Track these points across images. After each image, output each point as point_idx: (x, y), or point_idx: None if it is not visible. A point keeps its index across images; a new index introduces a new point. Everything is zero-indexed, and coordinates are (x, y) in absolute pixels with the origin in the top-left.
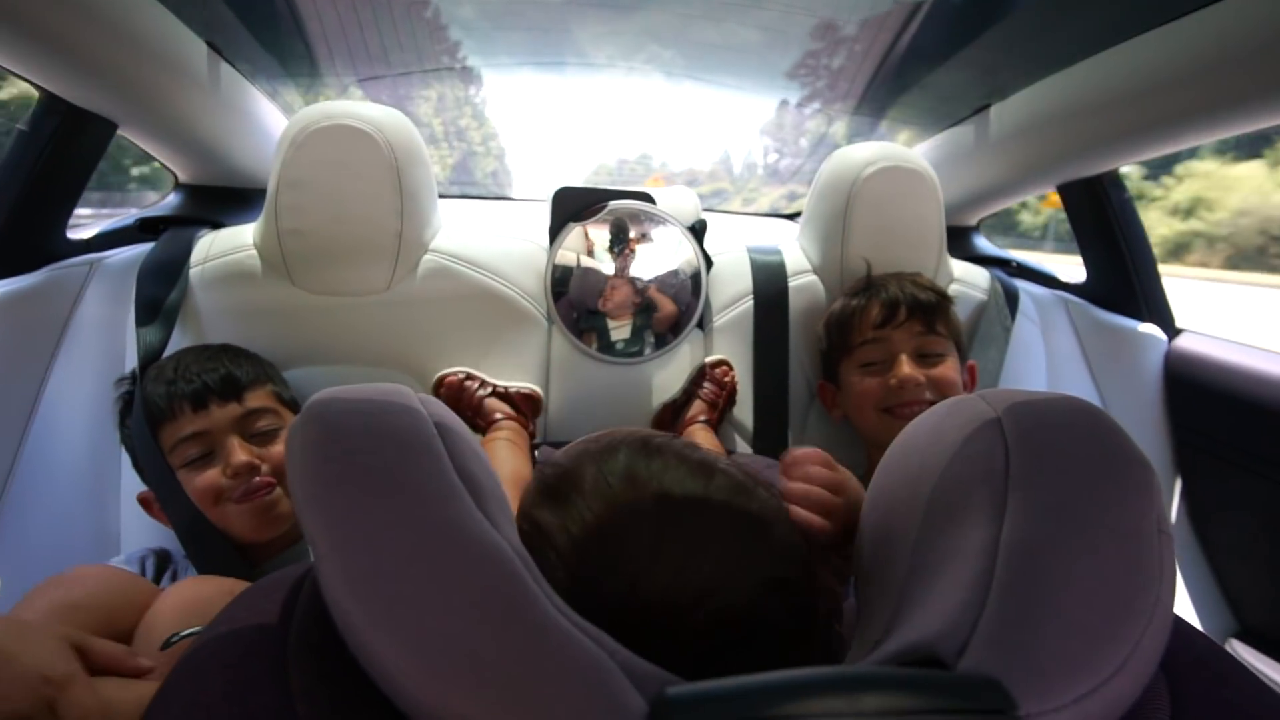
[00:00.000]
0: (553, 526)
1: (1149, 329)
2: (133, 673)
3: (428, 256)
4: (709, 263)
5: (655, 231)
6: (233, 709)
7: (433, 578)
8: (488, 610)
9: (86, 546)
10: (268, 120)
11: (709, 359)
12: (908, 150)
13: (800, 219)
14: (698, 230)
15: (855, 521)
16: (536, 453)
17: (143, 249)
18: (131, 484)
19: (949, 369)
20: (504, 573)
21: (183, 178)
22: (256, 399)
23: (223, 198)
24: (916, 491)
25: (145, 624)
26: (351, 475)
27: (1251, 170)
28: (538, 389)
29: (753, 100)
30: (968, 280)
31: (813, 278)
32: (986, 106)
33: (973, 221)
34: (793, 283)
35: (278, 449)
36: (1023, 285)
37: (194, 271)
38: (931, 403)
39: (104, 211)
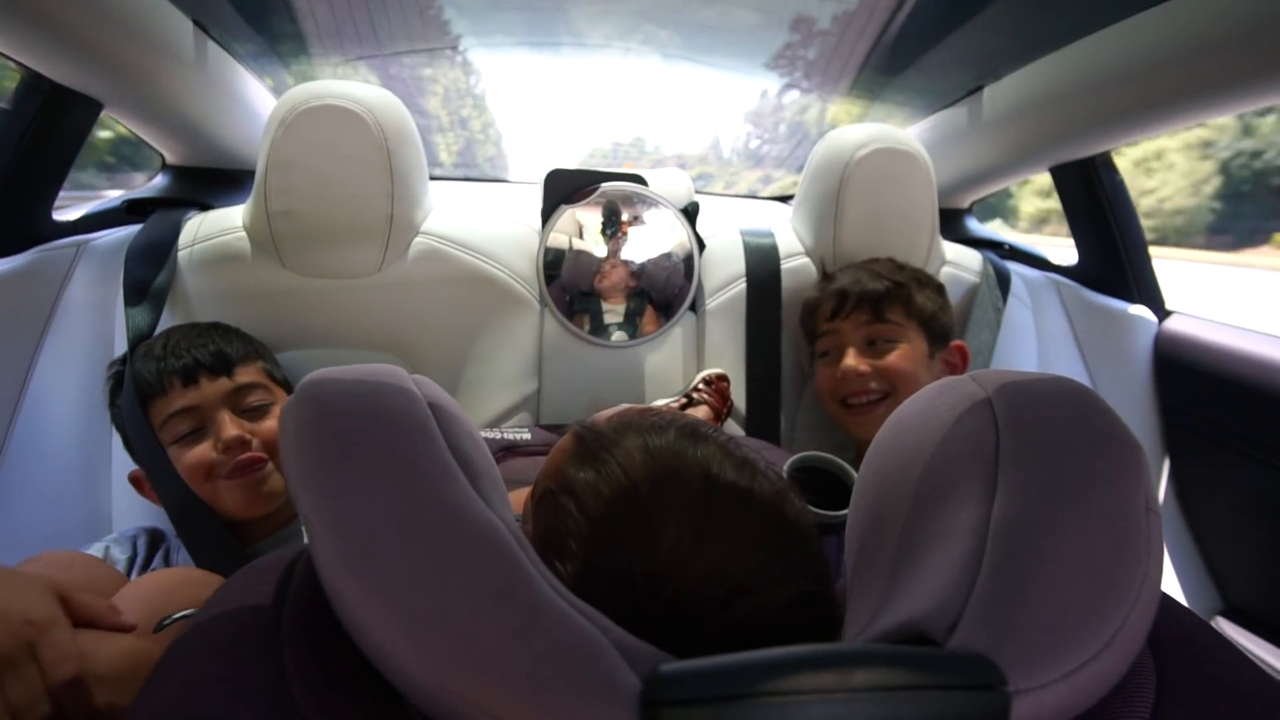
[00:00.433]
0: (583, 484)
1: (1139, 310)
2: (113, 627)
3: (419, 239)
4: (701, 245)
5: (648, 214)
6: (226, 690)
7: (427, 557)
8: (482, 588)
9: (78, 528)
10: (256, 100)
11: (710, 371)
12: (901, 132)
13: (793, 202)
14: (690, 212)
15: None
16: (528, 434)
17: (130, 231)
18: (122, 465)
19: (899, 357)
20: (499, 551)
21: (170, 159)
22: (247, 374)
23: (211, 179)
24: (908, 471)
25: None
26: (346, 455)
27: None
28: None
29: (746, 83)
30: (960, 263)
31: (805, 260)
32: (979, 88)
33: (965, 204)
34: (785, 265)
35: (269, 424)
36: (1014, 267)
37: (182, 254)
38: (879, 392)
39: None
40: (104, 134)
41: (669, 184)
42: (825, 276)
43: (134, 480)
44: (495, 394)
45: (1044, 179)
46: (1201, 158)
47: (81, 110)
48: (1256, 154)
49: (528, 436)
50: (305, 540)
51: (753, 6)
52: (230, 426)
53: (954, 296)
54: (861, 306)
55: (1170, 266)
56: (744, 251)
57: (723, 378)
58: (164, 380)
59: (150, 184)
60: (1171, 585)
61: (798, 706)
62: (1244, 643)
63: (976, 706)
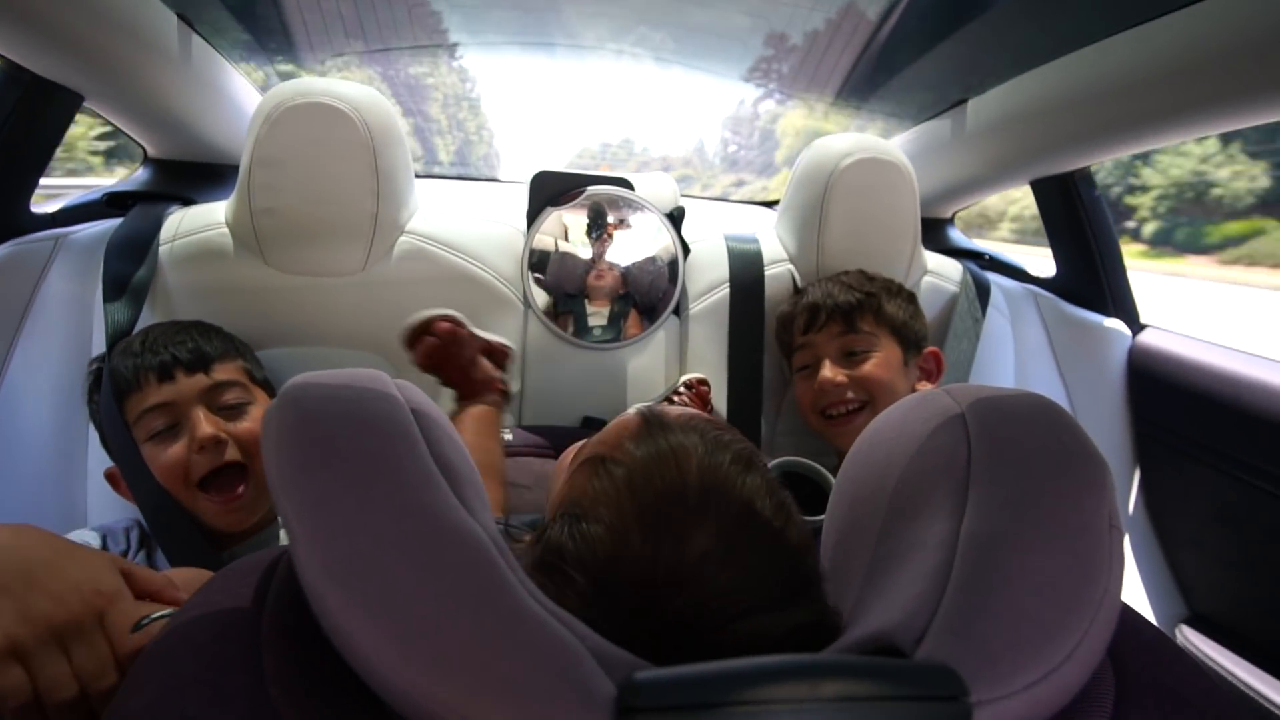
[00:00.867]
0: (637, 462)
1: (1114, 324)
2: (172, 602)
3: (403, 238)
4: (686, 250)
5: (633, 217)
6: (205, 691)
7: (409, 564)
8: (462, 596)
9: (53, 525)
10: (240, 95)
11: (691, 375)
12: (885, 142)
13: (777, 208)
14: (675, 217)
15: None
16: (509, 434)
17: (110, 225)
18: (99, 461)
19: (875, 366)
20: (479, 559)
21: (152, 152)
22: (225, 372)
23: (193, 173)
24: (883, 483)
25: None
26: (329, 462)
27: None
28: (511, 345)
29: (732, 88)
30: (941, 273)
31: (789, 267)
32: (964, 101)
33: (948, 214)
34: (769, 271)
35: (246, 424)
36: (994, 278)
37: (163, 249)
38: (857, 402)
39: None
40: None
41: (655, 189)
42: (797, 291)
43: (110, 477)
44: None
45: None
46: None
47: (62, 103)
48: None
49: (509, 437)
50: (283, 543)
51: (747, 11)
52: (205, 424)
53: (934, 306)
54: (834, 318)
55: (1029, 257)
56: (728, 257)
57: (703, 382)
58: (140, 376)
59: (132, 177)
60: (1139, 593)
61: (768, 715)
62: (1207, 650)
63: (940, 717)
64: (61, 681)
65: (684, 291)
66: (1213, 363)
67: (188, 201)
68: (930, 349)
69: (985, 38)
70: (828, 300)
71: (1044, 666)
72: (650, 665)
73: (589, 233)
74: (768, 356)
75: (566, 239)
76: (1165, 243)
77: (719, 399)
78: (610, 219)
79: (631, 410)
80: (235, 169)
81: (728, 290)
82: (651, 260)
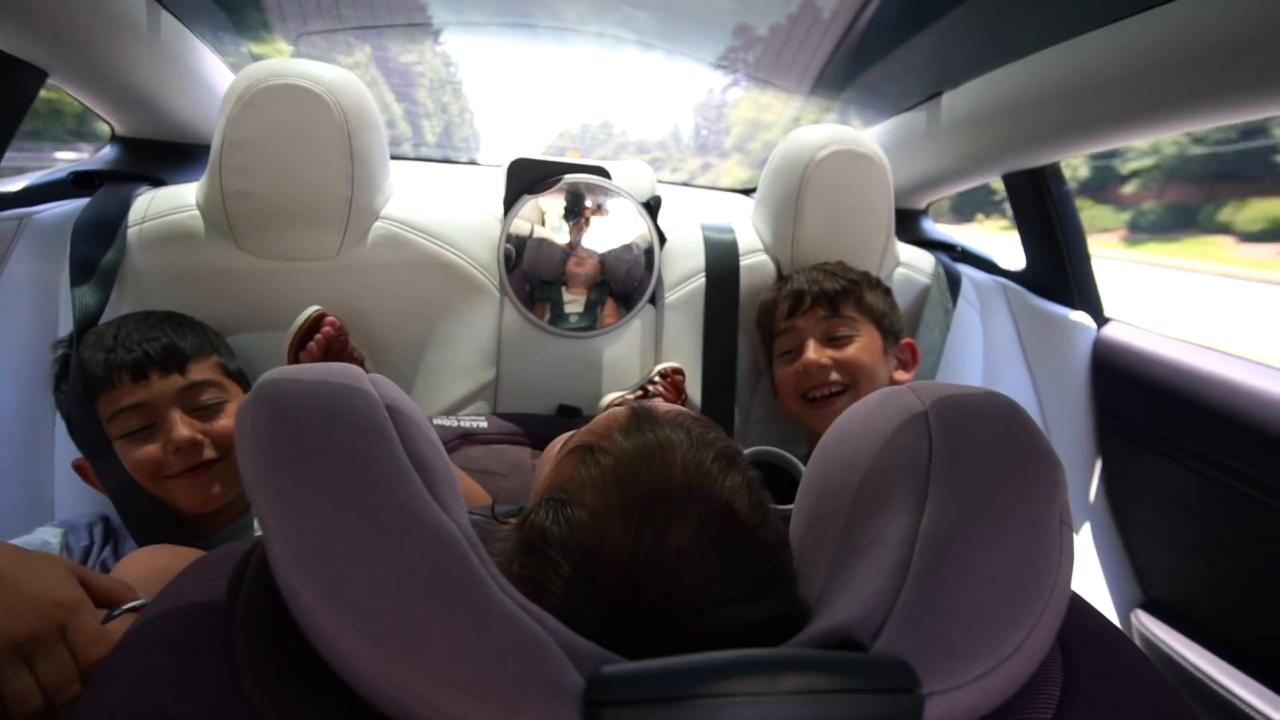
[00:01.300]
0: (624, 452)
1: (1080, 317)
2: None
3: (379, 223)
4: (663, 239)
5: (610, 204)
6: (179, 686)
7: (383, 560)
8: (435, 591)
9: (18, 513)
10: (211, 74)
11: (666, 365)
12: (861, 134)
13: (754, 196)
14: (652, 206)
15: None
16: (484, 422)
17: (76, 205)
18: (66, 449)
19: (858, 350)
20: (452, 555)
21: (119, 130)
22: (200, 371)
23: (163, 153)
24: (848, 478)
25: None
26: (303, 458)
27: None
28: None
29: (712, 74)
30: (913, 265)
31: (764, 257)
32: (939, 94)
33: (921, 205)
34: (744, 261)
35: (222, 423)
36: (965, 270)
37: (132, 231)
38: (840, 383)
39: None
40: None
41: (631, 177)
42: (781, 278)
43: (78, 468)
44: (453, 382)
45: None
46: None
47: (25, 79)
48: None
49: (484, 425)
50: (255, 530)
51: None
52: (182, 427)
53: (907, 297)
54: (819, 303)
55: None
56: (704, 246)
57: (678, 371)
58: (113, 374)
59: (98, 155)
60: (1097, 578)
61: (729, 707)
62: (1161, 634)
63: (893, 707)
64: (26, 694)
65: (660, 280)
66: (1172, 356)
67: (157, 182)
68: (906, 340)
69: (960, 31)
70: (813, 286)
71: (993, 659)
72: (619, 659)
73: (566, 218)
74: (742, 346)
75: (543, 224)
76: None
77: (693, 388)
78: (588, 204)
79: (616, 400)
80: (206, 149)
81: (703, 280)
82: (628, 248)
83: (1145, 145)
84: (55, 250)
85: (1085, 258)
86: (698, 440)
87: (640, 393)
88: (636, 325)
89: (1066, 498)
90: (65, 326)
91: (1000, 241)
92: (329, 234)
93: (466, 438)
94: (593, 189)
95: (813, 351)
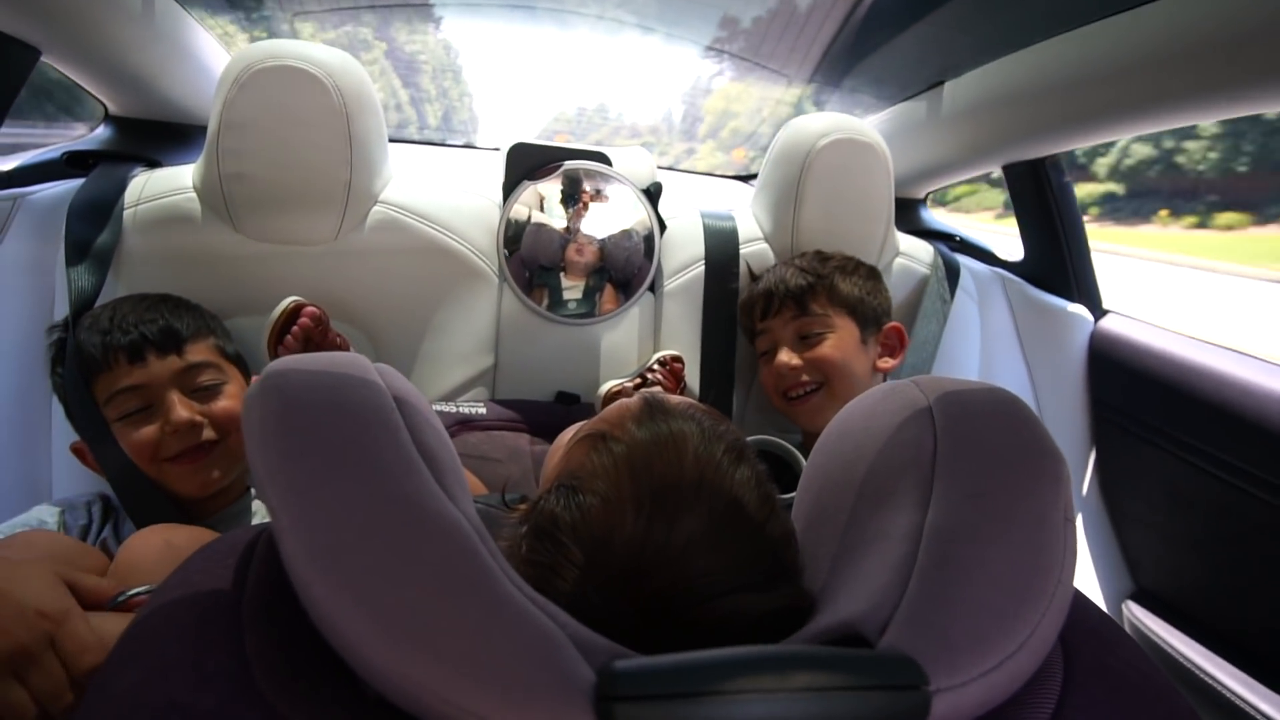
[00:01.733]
0: (636, 442)
1: (1077, 309)
2: (124, 608)
3: (377, 208)
4: (663, 226)
5: (609, 190)
6: (189, 674)
7: (394, 553)
8: (446, 584)
9: (16, 495)
10: (207, 54)
11: (665, 353)
12: (862, 123)
13: (754, 183)
14: (653, 193)
15: None
16: (483, 408)
17: (71, 185)
18: (63, 432)
19: (830, 348)
20: (463, 548)
21: (113, 109)
22: (197, 353)
23: (158, 133)
24: (851, 472)
25: (118, 576)
26: (313, 449)
27: None
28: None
29: (711, 60)
30: (912, 254)
31: (764, 245)
32: (940, 83)
33: (921, 194)
34: (744, 249)
35: (221, 404)
36: (963, 260)
37: (127, 213)
38: (815, 384)
39: None
40: None
41: (632, 164)
42: (754, 278)
43: (76, 451)
44: (451, 368)
45: None
46: None
47: (17, 56)
48: None
49: (483, 411)
50: (254, 521)
51: None
52: (180, 409)
53: (905, 287)
54: (787, 303)
55: None
56: (704, 234)
57: (677, 359)
58: (110, 356)
59: (92, 135)
60: (1088, 568)
61: (740, 704)
62: (1151, 625)
63: (901, 704)
64: (21, 707)
65: (659, 268)
66: (1169, 349)
67: (152, 163)
68: (892, 325)
69: (963, 20)
70: (780, 286)
71: (999, 655)
72: (630, 653)
73: (564, 203)
74: (740, 335)
75: (541, 209)
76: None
77: (692, 376)
78: (586, 189)
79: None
80: (201, 130)
81: (703, 268)
82: (628, 235)
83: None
84: (50, 231)
85: (1084, 250)
86: (709, 433)
87: (639, 380)
88: (635, 313)
89: (1070, 494)
90: (61, 308)
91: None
92: (327, 218)
93: (465, 424)
94: (592, 175)
95: (783, 355)
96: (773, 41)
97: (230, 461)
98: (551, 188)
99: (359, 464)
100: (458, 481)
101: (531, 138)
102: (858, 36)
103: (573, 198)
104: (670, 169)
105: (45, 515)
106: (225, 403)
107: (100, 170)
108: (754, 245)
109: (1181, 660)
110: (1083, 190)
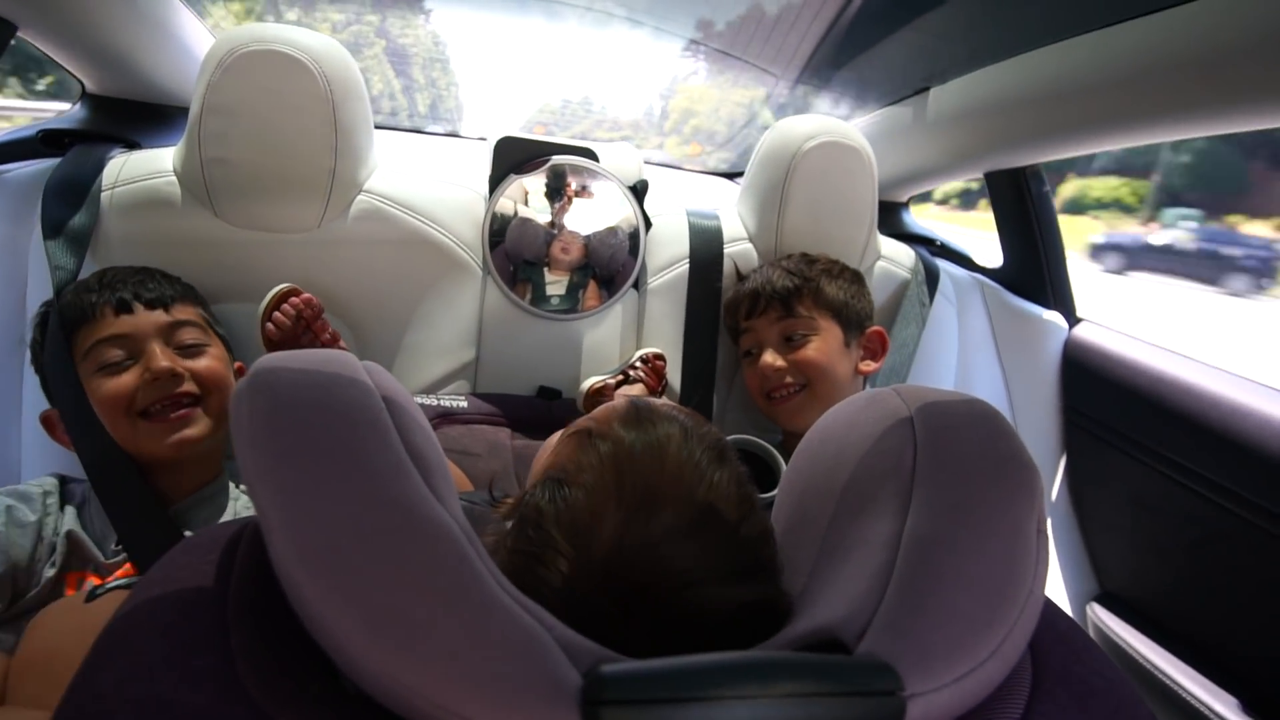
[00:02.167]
0: (621, 440)
1: (1053, 316)
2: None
3: (361, 197)
4: (648, 223)
5: (595, 185)
6: (174, 671)
7: (384, 554)
8: (435, 587)
9: None
10: (189, 34)
11: (648, 350)
12: (848, 126)
13: (740, 181)
14: (639, 191)
15: None
16: (465, 403)
17: (46, 165)
18: (34, 412)
19: (814, 351)
20: (451, 551)
21: (90, 87)
22: (184, 313)
23: (136, 114)
24: (832, 478)
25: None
26: (302, 450)
27: None
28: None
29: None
30: (893, 258)
31: (748, 245)
32: (926, 89)
33: (903, 198)
34: (729, 249)
35: (203, 362)
36: (943, 265)
37: (105, 195)
38: (797, 386)
39: None
40: None
41: (618, 161)
42: (740, 278)
43: (45, 421)
44: (433, 360)
45: None
46: None
47: None
48: None
49: (464, 404)
50: (229, 502)
51: None
52: (161, 358)
53: (885, 291)
54: (773, 304)
55: None
56: (689, 233)
57: (659, 357)
58: (97, 309)
59: (68, 114)
60: (1055, 570)
61: (723, 709)
62: (1114, 627)
63: (878, 709)
64: None
65: (643, 266)
66: (1139, 359)
67: (130, 144)
68: (874, 329)
69: (951, 27)
70: (766, 287)
71: (972, 661)
72: (616, 656)
73: (549, 198)
74: (722, 334)
75: (526, 203)
76: None
77: (673, 374)
78: (571, 184)
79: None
80: (182, 112)
81: (687, 266)
82: (613, 232)
83: None
84: (24, 210)
85: (1061, 258)
86: (691, 434)
87: (621, 377)
88: (618, 310)
89: (1044, 506)
90: (35, 289)
91: None
92: (310, 205)
93: (446, 417)
94: (578, 171)
95: (768, 356)
96: (761, 40)
97: (207, 424)
98: (536, 182)
99: (349, 466)
100: (445, 482)
101: (515, 128)
102: (846, 37)
103: (557, 192)
104: (661, 165)
105: None
106: (208, 362)
107: (77, 150)
108: (738, 245)
109: (1142, 662)
110: (950, 187)
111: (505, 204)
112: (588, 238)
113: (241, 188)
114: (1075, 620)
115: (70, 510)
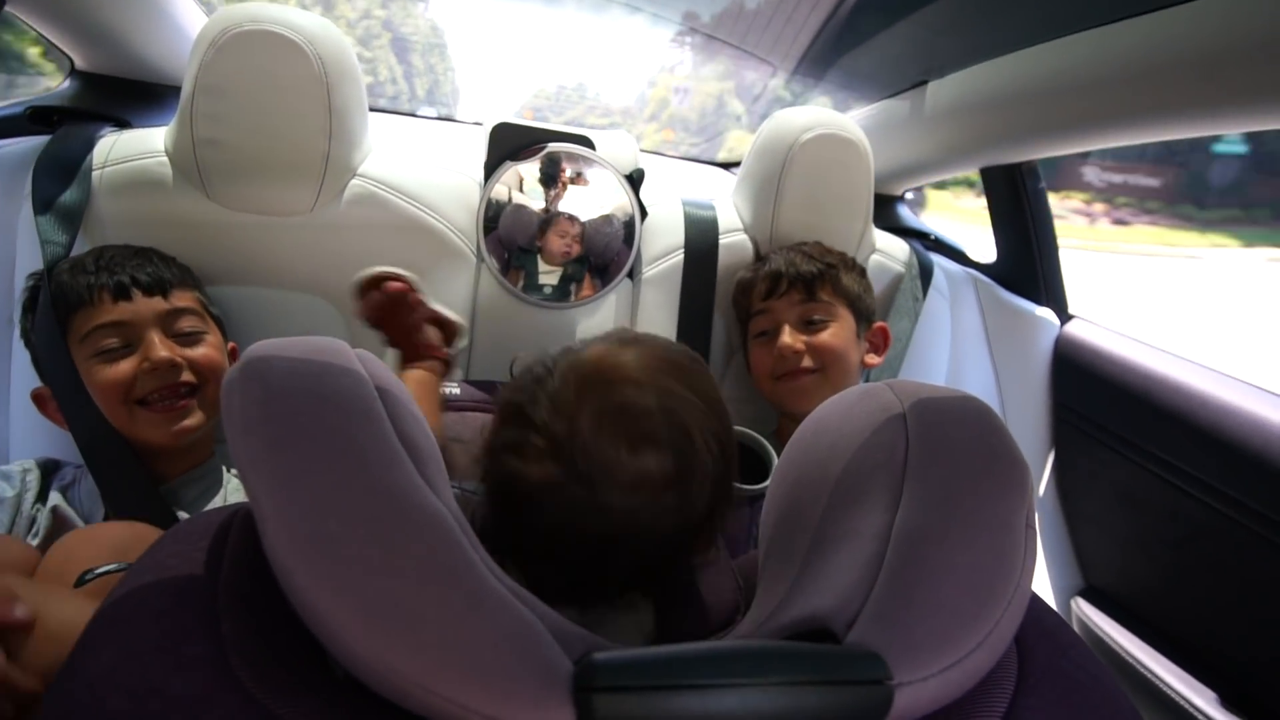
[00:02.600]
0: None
1: (1045, 313)
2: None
3: (355, 181)
4: (644, 213)
5: (590, 173)
6: (165, 658)
7: (377, 543)
8: (428, 575)
9: None
10: (181, 11)
11: None
12: (845, 118)
13: (736, 171)
14: (635, 179)
15: None
16: (455, 388)
17: (35, 142)
18: (22, 390)
19: (832, 335)
20: (444, 539)
21: (79, 64)
22: (183, 299)
23: (126, 92)
24: (825, 471)
25: (56, 565)
26: (295, 438)
27: None
28: (462, 322)
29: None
30: (888, 252)
31: (743, 236)
32: (924, 83)
33: (899, 191)
34: (723, 240)
35: (201, 351)
36: (937, 260)
37: (95, 174)
38: (813, 369)
39: None
40: None
41: (615, 148)
42: (759, 259)
43: (37, 398)
44: None
45: None
46: None
47: None
48: None
49: (457, 391)
50: (222, 486)
51: None
52: (160, 347)
53: (880, 284)
54: (796, 286)
55: None
56: (684, 223)
57: None
58: (94, 293)
59: (56, 90)
60: (1041, 564)
61: (713, 696)
62: (1098, 621)
63: (865, 698)
64: None
65: (638, 255)
66: (1129, 357)
67: (121, 123)
68: (879, 324)
69: (949, 21)
70: (790, 269)
71: (959, 653)
72: (607, 644)
73: (542, 184)
74: (717, 325)
75: (521, 190)
76: None
77: None
78: (566, 171)
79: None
80: (173, 91)
81: (682, 256)
82: (608, 221)
83: None
84: (13, 188)
85: (1054, 255)
86: (656, 351)
87: None
88: (612, 299)
89: (1033, 501)
90: (23, 266)
91: None
92: (303, 188)
93: None
94: (574, 158)
95: (788, 336)
96: (759, 29)
97: (205, 413)
98: (531, 168)
99: (342, 454)
100: (439, 471)
101: (509, 113)
102: (844, 29)
103: (551, 178)
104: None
105: None
106: (206, 350)
107: (67, 128)
108: (733, 236)
109: (1125, 656)
110: None
111: (500, 190)
112: (583, 225)
113: (234, 169)
114: (1060, 615)
115: (55, 494)
